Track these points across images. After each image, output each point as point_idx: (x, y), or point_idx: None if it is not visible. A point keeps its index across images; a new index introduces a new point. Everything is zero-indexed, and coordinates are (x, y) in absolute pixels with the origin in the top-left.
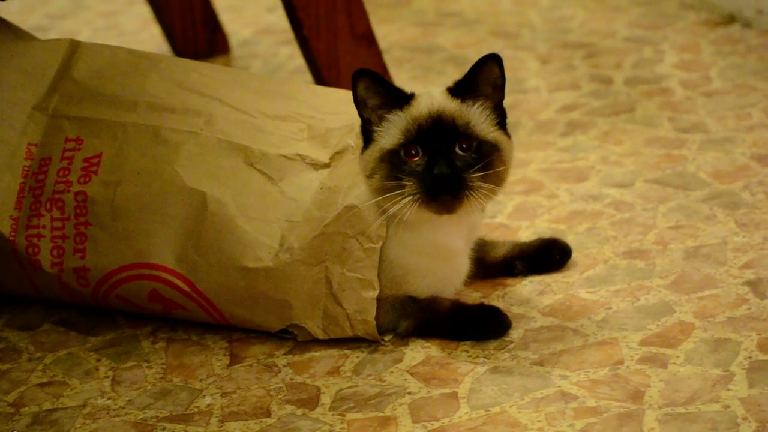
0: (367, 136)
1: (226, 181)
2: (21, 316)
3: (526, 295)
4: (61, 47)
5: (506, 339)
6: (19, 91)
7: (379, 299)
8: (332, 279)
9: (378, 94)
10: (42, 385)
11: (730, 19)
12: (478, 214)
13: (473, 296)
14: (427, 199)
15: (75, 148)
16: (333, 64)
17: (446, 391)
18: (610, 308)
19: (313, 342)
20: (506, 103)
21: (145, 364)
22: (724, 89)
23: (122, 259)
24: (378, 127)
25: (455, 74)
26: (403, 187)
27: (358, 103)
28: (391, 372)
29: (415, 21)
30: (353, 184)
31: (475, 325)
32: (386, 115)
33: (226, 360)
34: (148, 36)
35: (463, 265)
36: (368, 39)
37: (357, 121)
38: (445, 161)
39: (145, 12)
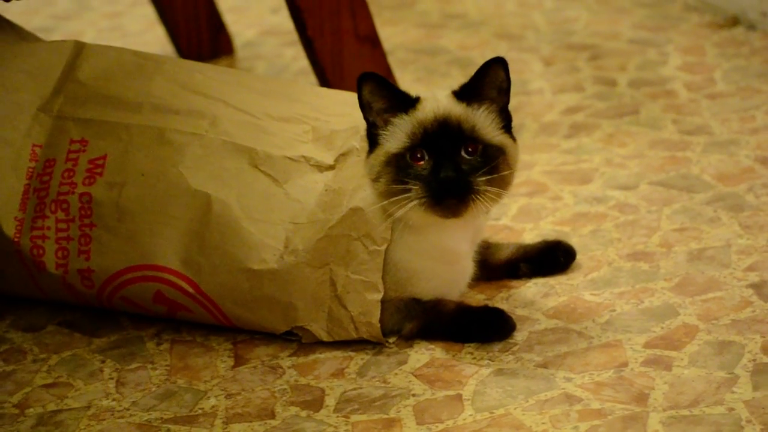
0: (373, 139)
1: (230, 182)
2: (26, 317)
3: (531, 298)
4: (65, 49)
5: (510, 341)
6: (24, 93)
7: (383, 301)
8: (337, 281)
9: (383, 97)
10: (47, 386)
11: (734, 22)
12: (482, 216)
13: (477, 298)
14: (433, 203)
15: (80, 150)
16: (337, 66)
17: (450, 393)
18: (615, 310)
19: (318, 344)
20: (510, 105)
21: (150, 366)
22: (728, 91)
23: (127, 260)
24: (383, 130)
25: (459, 76)
26: (409, 190)
27: (363, 106)
28: (396, 374)
29: (419, 23)
30: (358, 187)
31: (479, 327)
32: (392, 119)
33: (231, 362)
34: (152, 37)
35: (468, 267)
36: (372, 40)
37: (362, 123)
38: (450, 165)
39: (150, 13)
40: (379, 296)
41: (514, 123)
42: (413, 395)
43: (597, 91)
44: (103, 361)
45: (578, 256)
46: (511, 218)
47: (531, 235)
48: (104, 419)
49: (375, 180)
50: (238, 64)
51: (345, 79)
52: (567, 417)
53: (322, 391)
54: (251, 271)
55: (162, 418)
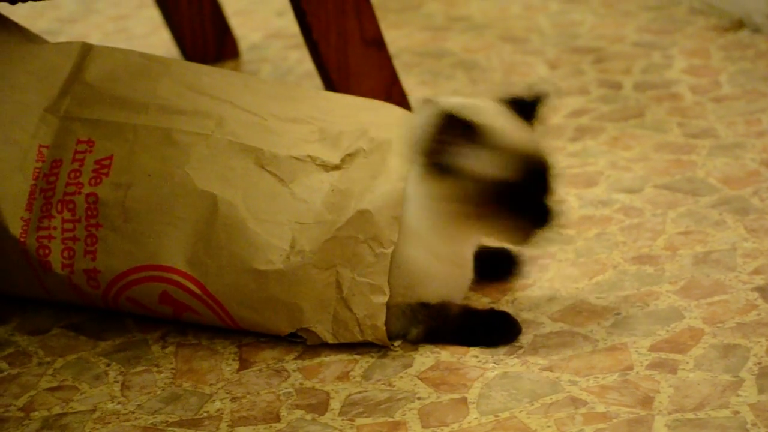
0: (451, 166)
1: (236, 182)
2: (31, 320)
3: (536, 301)
4: (73, 50)
5: (516, 344)
6: (31, 94)
7: (389, 306)
8: (343, 283)
9: (465, 133)
10: (52, 389)
11: (740, 25)
12: None
13: (482, 302)
14: (529, 233)
15: (86, 150)
16: (342, 69)
17: (456, 396)
18: (620, 314)
19: (323, 347)
20: None
21: (155, 369)
22: (734, 95)
23: (133, 260)
24: (469, 158)
25: (464, 79)
26: (518, 219)
27: (441, 142)
28: (401, 377)
29: (424, 26)
30: (366, 189)
31: (485, 331)
32: (475, 149)
33: (236, 365)
34: (157, 40)
35: (471, 270)
36: (378, 43)
37: (369, 126)
38: (548, 195)
39: (155, 16)
40: (384, 299)
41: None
42: (418, 398)
43: (602, 94)
44: (108, 365)
45: (583, 259)
46: None
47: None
48: (109, 422)
49: (465, 205)
50: (243, 67)
51: (350, 81)
52: (572, 420)
53: (327, 394)
54: (257, 272)
55: (167, 421)
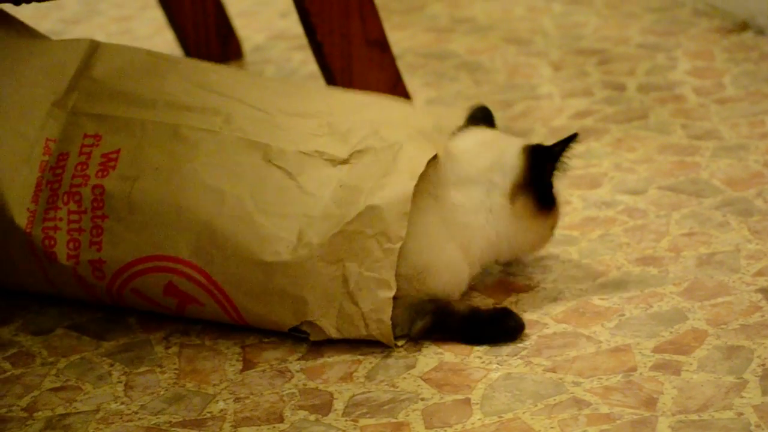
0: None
1: (244, 177)
2: (34, 320)
3: (539, 302)
4: (81, 47)
5: (519, 345)
6: (39, 88)
7: (395, 298)
8: (349, 278)
9: None
10: (55, 389)
11: (744, 27)
12: None
13: (486, 303)
14: None
15: (93, 144)
16: (346, 70)
17: (459, 397)
18: (623, 315)
19: (326, 347)
20: (519, 109)
21: (158, 369)
22: (738, 96)
23: (138, 251)
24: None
25: (468, 80)
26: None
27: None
28: (404, 378)
29: (428, 27)
30: (377, 186)
31: (488, 328)
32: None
33: (239, 365)
34: (161, 41)
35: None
36: (382, 45)
37: (380, 126)
38: None
39: (159, 17)
40: (390, 294)
41: (523, 127)
42: (422, 399)
43: (606, 95)
44: (111, 365)
45: (587, 260)
46: None
47: None
48: (113, 423)
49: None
50: (246, 69)
51: (354, 82)
52: (576, 421)
53: (331, 395)
54: (264, 263)
55: (171, 421)
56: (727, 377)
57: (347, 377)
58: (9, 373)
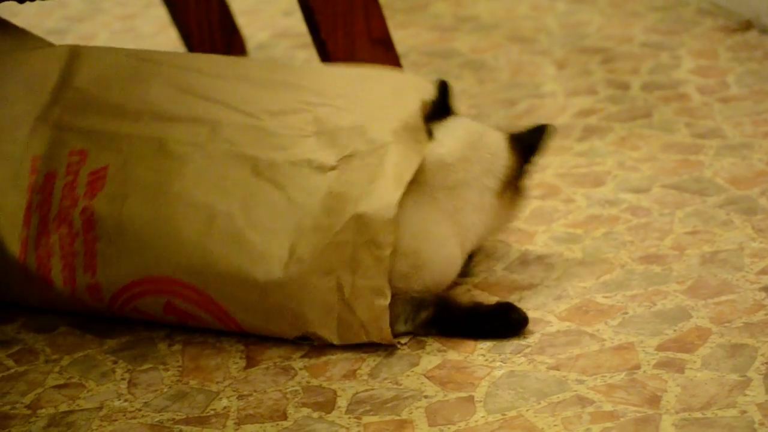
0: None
1: (233, 192)
2: (37, 318)
3: (543, 300)
4: (61, 55)
5: (522, 343)
6: (21, 104)
7: (395, 294)
8: (344, 287)
9: None
10: (59, 387)
11: (748, 26)
12: None
13: (489, 300)
14: None
15: (80, 162)
16: None
17: (463, 394)
18: (627, 313)
19: (330, 345)
20: (522, 108)
21: (162, 367)
22: (741, 95)
23: (133, 273)
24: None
25: (472, 79)
26: None
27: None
28: (408, 375)
29: (431, 26)
30: (363, 193)
31: (492, 322)
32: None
33: (243, 363)
34: (165, 39)
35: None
36: (386, 43)
37: (368, 121)
38: None
39: (163, 15)
40: (386, 301)
41: (527, 125)
42: (425, 397)
43: (610, 94)
44: (115, 362)
45: (591, 259)
46: (524, 220)
47: (543, 237)
48: (116, 420)
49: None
50: None
51: None
52: (579, 419)
53: (334, 392)
54: (258, 282)
55: (174, 419)
56: (731, 375)
57: (350, 375)
58: (12, 371)
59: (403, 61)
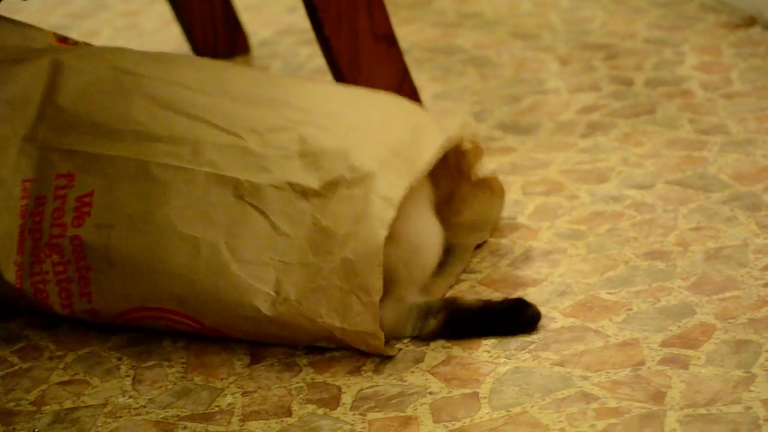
0: None
1: (217, 220)
2: (41, 315)
3: (547, 296)
4: (43, 70)
5: (527, 339)
6: (7, 124)
7: (398, 300)
8: (334, 332)
9: None
10: (63, 383)
11: (751, 22)
12: None
13: (494, 297)
14: None
15: (67, 185)
16: (354, 64)
17: (467, 391)
18: (631, 309)
19: None
20: (526, 104)
21: (166, 363)
22: (745, 91)
23: (127, 303)
24: None
25: (475, 75)
26: None
27: None
28: (412, 372)
29: (435, 22)
30: (349, 234)
31: (505, 319)
32: None
33: (247, 359)
34: (168, 35)
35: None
36: (389, 40)
37: (352, 147)
38: None
39: (166, 11)
40: (380, 341)
41: (531, 122)
42: (430, 393)
43: (613, 90)
44: (119, 359)
45: (595, 255)
46: (528, 217)
47: (547, 233)
48: (121, 416)
49: None
50: (254, 63)
51: (361, 77)
52: (584, 415)
53: (339, 389)
54: (248, 316)
55: (179, 415)
56: (736, 371)
57: (355, 371)
58: (17, 367)
59: (406, 57)
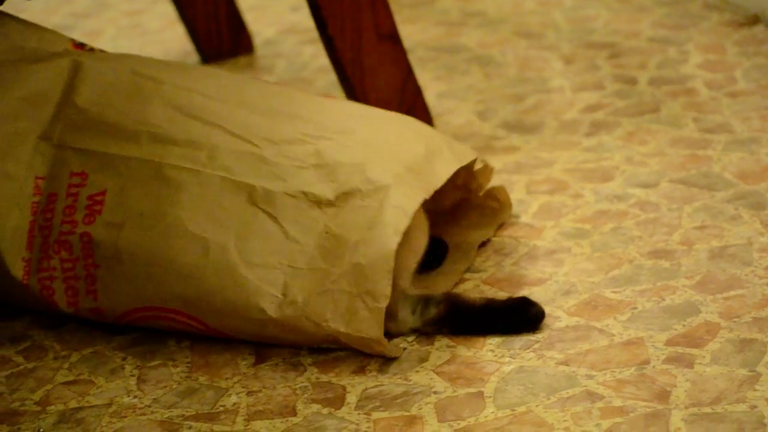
0: None
1: (228, 223)
2: (46, 314)
3: (551, 295)
4: (62, 69)
5: (531, 338)
6: (23, 121)
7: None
8: (338, 336)
9: None
10: (68, 383)
11: (755, 20)
12: None
13: (499, 296)
14: None
15: (80, 184)
16: (357, 64)
17: (472, 390)
18: (636, 308)
19: None
20: (530, 103)
21: (171, 363)
22: (749, 90)
23: (131, 302)
24: None
25: (479, 74)
26: None
27: None
28: (417, 371)
29: (438, 21)
30: (361, 240)
31: (508, 318)
32: None
33: (252, 359)
34: (171, 35)
35: None
36: (393, 38)
37: (368, 162)
38: None
39: (169, 11)
40: (384, 347)
41: (534, 121)
42: (434, 392)
43: (617, 89)
44: (124, 359)
45: (599, 254)
46: (532, 216)
47: (552, 232)
48: (126, 416)
49: None
50: (257, 63)
51: (365, 76)
52: (589, 414)
53: (344, 388)
54: (253, 318)
55: (184, 415)
56: (740, 370)
57: (360, 371)
58: (22, 367)
59: (410, 57)
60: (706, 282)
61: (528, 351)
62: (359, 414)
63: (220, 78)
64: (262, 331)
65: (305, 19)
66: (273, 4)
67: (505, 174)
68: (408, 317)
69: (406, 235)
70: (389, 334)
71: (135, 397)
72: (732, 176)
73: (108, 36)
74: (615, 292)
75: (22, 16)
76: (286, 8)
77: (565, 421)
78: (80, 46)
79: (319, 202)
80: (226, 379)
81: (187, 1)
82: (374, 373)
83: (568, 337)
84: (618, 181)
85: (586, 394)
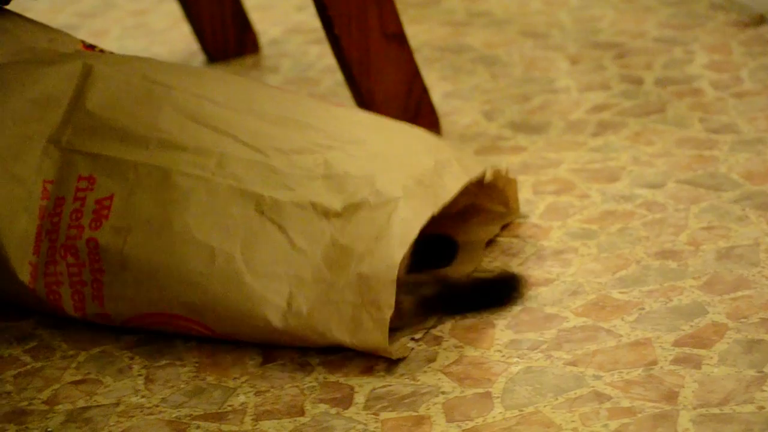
0: None
1: (235, 231)
2: (53, 314)
3: (558, 296)
4: (73, 73)
5: (539, 339)
6: (33, 124)
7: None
8: (344, 346)
9: None
10: (76, 382)
11: (761, 20)
12: None
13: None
14: None
15: (87, 188)
16: (364, 64)
17: (480, 390)
18: (643, 309)
19: None
20: (536, 103)
21: (179, 363)
22: (755, 90)
23: (136, 308)
24: None
25: (485, 74)
26: None
27: None
28: (425, 371)
29: (444, 21)
30: (367, 251)
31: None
32: None
33: (260, 359)
34: (177, 34)
35: None
36: (399, 38)
37: (378, 173)
38: None
39: (175, 10)
40: (389, 356)
41: (541, 121)
42: (442, 393)
43: (623, 89)
44: (131, 358)
45: (606, 254)
46: (539, 216)
47: (559, 233)
48: (133, 416)
49: None
50: (263, 62)
51: (371, 76)
52: (597, 415)
53: (351, 388)
54: (258, 326)
55: (191, 414)
56: (748, 371)
57: (367, 371)
58: (29, 366)
59: (416, 56)
60: (714, 282)
61: (536, 351)
62: (367, 414)
63: (231, 84)
64: (267, 338)
65: (311, 19)
66: (279, 3)
67: (511, 174)
68: (404, 300)
69: None
70: (391, 328)
71: (143, 396)
72: (738, 177)
73: (114, 35)
74: (622, 293)
75: (28, 15)
76: (291, 8)
77: (573, 421)
78: (91, 47)
79: (326, 213)
80: (234, 378)
81: (192, 1)
82: (382, 374)
83: (576, 337)
84: (625, 181)
85: (594, 395)
